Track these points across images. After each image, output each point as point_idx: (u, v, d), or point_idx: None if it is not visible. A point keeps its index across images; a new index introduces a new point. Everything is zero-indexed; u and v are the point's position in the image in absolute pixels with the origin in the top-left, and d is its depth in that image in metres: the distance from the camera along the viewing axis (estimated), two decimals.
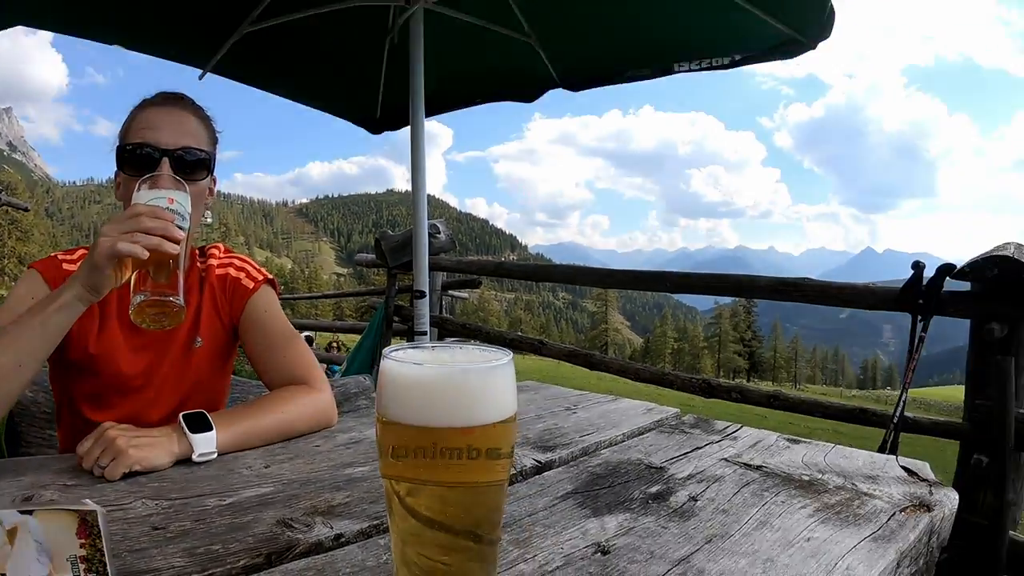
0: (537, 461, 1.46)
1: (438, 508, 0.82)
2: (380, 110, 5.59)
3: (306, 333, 13.25)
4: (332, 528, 1.11)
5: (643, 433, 1.78)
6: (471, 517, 0.84)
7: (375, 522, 1.14)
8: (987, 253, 3.61)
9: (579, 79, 4.99)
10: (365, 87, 5.38)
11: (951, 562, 3.50)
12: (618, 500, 1.27)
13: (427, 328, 4.83)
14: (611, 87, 5.06)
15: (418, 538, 0.84)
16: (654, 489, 1.34)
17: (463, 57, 5.14)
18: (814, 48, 4.14)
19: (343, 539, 1.09)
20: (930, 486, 1.46)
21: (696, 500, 1.29)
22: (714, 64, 4.41)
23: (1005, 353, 3.56)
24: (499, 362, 0.84)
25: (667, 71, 4.59)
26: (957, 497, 1.43)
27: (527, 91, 5.25)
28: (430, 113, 4.96)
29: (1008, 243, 3.70)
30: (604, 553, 1.05)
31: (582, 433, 1.72)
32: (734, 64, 4.37)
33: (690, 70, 4.47)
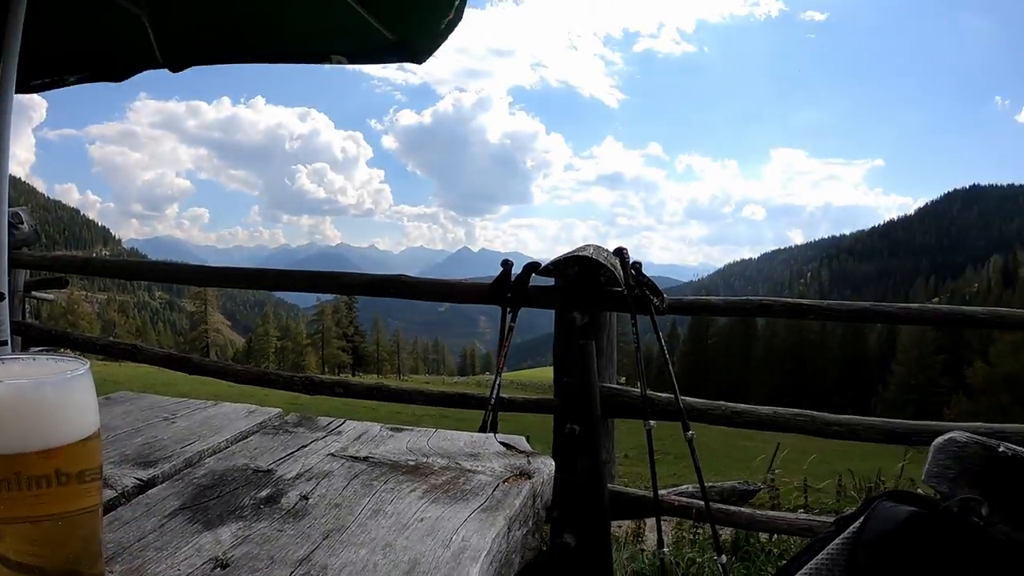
0: (139, 479, 1.36)
1: (29, 549, 0.73)
2: None
3: None
4: None
5: (247, 437, 1.71)
6: (68, 553, 0.75)
7: None
8: (569, 253, 4.00)
9: (182, 59, 4.70)
10: None
11: (564, 518, 3.81)
12: (229, 509, 1.22)
13: (8, 337, 4.29)
14: (225, 75, 4.83)
15: None
16: (264, 493, 1.30)
17: (65, 21, 4.58)
18: (420, 63, 4.26)
19: None
20: (527, 456, 1.56)
21: (308, 498, 1.28)
22: (321, 59, 4.40)
23: (587, 338, 3.95)
24: (76, 373, 0.76)
25: (276, 60, 4.49)
26: (553, 463, 1.54)
27: (123, 67, 4.82)
28: (21, 88, 4.37)
29: (588, 245, 4.10)
30: (224, 567, 1.00)
31: (184, 443, 1.62)
32: (339, 62, 4.38)
33: (298, 61, 4.42)
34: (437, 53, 4.26)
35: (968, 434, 1.46)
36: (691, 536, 4.95)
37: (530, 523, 1.37)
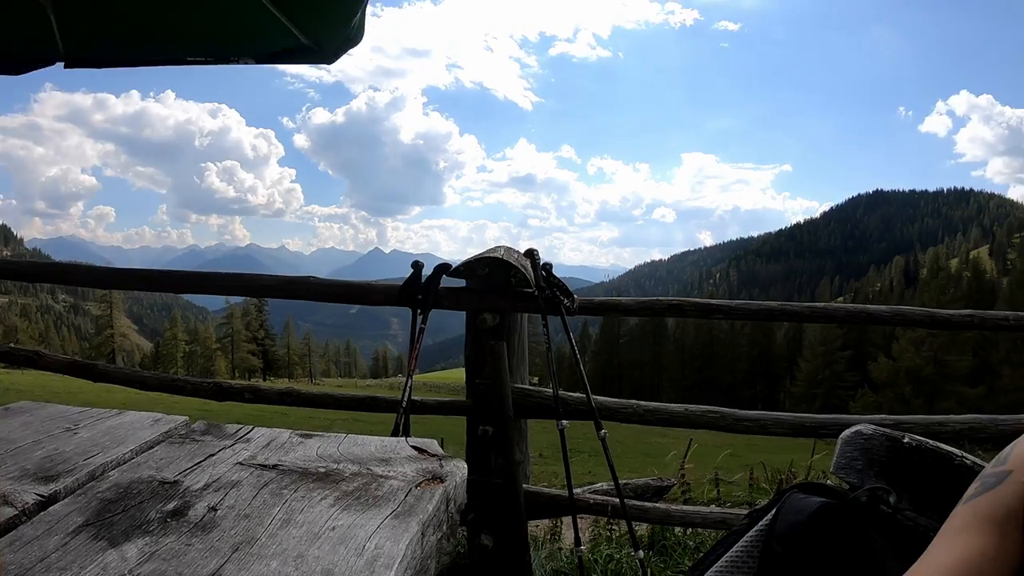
0: (40, 495, 1.31)
1: None
2: None
3: None
4: None
5: (153, 447, 1.66)
6: None
7: None
8: (480, 254, 4.03)
9: (87, 56, 4.53)
10: None
11: (480, 519, 3.82)
12: (135, 524, 1.19)
13: None
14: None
15: None
16: (171, 506, 1.27)
17: None
18: (330, 63, 4.20)
19: None
20: (440, 460, 1.56)
21: (216, 510, 1.25)
22: (230, 60, 4.31)
23: (498, 339, 3.97)
24: None
25: (183, 61, 4.38)
26: (465, 466, 1.54)
27: (22, 60, 4.63)
28: None
29: (499, 247, 4.14)
30: None
31: (87, 456, 1.56)
32: (246, 62, 4.29)
33: (205, 62, 4.32)
34: (351, 51, 4.22)
35: (873, 426, 1.51)
36: (608, 533, 4.99)
37: (444, 527, 1.37)
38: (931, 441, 1.45)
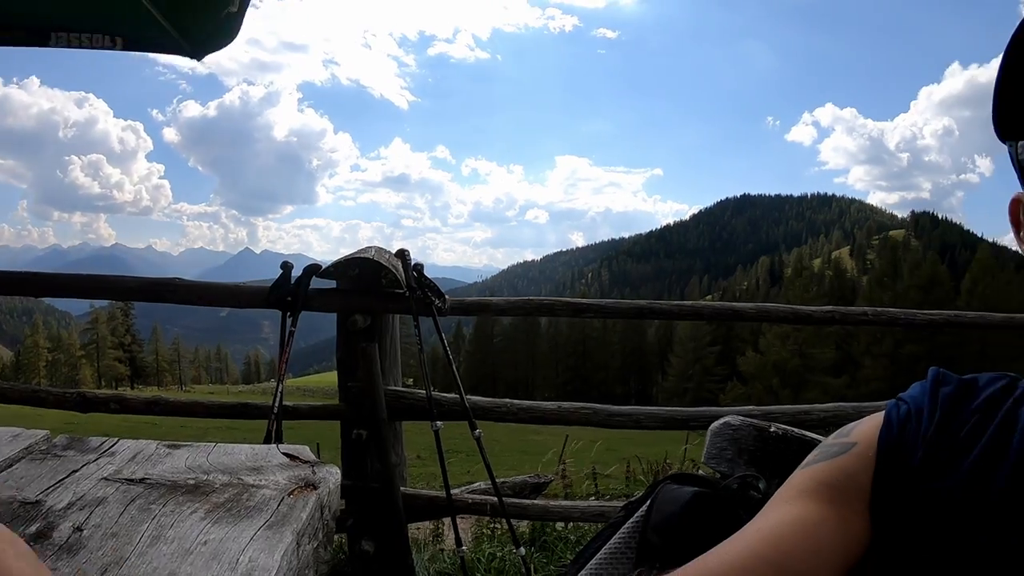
0: None
1: None
2: None
3: None
4: None
5: (12, 464, 1.57)
6: None
7: None
8: (351, 255, 4.00)
9: None
10: None
11: (360, 524, 3.80)
12: None
13: None
14: None
15: None
16: (34, 528, 1.21)
17: None
18: (199, 59, 4.07)
19: None
20: (312, 466, 1.54)
21: (82, 530, 1.20)
22: (94, 44, 4.13)
23: (370, 340, 3.94)
24: None
25: (43, 40, 4.19)
26: (339, 471, 1.53)
27: None
28: None
29: (370, 247, 4.10)
30: None
31: None
32: (115, 48, 4.13)
33: (68, 45, 4.13)
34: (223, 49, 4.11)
35: (741, 418, 1.57)
36: (489, 532, 5.02)
37: (320, 535, 1.36)
38: (796, 429, 1.52)
